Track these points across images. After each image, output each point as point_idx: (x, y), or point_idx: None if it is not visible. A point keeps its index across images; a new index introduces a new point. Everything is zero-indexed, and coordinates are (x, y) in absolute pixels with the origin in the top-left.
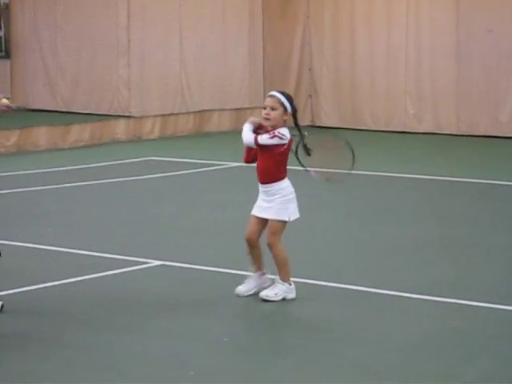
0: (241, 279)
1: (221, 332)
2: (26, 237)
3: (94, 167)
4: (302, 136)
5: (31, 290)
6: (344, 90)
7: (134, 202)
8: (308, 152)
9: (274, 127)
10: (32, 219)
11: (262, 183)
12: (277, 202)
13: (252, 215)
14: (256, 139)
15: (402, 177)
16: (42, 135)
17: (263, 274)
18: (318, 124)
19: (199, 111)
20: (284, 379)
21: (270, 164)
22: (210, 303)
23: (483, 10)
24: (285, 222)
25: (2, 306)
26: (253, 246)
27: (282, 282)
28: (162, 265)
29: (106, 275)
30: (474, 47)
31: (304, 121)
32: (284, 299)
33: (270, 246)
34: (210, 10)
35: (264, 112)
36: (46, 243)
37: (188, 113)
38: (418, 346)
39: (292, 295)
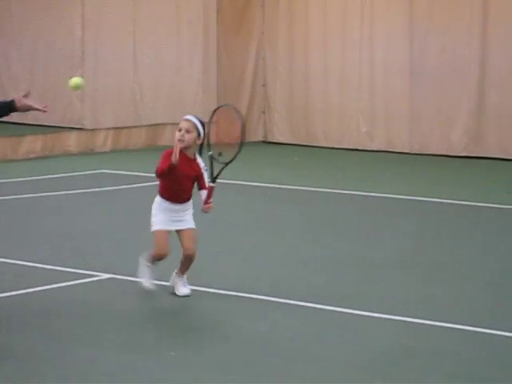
0: (198, 294)
1: (170, 345)
2: None
3: (45, 179)
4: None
5: None
6: (297, 107)
7: (84, 215)
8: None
9: (186, 148)
10: None
11: (183, 202)
12: (190, 214)
13: (162, 231)
14: (205, 186)
15: (352, 194)
16: None
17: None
18: (270, 140)
19: (152, 125)
20: None
21: (190, 186)
22: (159, 316)
23: (437, 29)
24: None
25: None
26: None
27: (185, 275)
28: (112, 278)
29: (54, 287)
30: (427, 66)
31: (256, 137)
32: None
33: (194, 253)
34: (165, 24)
35: (179, 134)
36: None
37: (141, 126)
38: (369, 363)
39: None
